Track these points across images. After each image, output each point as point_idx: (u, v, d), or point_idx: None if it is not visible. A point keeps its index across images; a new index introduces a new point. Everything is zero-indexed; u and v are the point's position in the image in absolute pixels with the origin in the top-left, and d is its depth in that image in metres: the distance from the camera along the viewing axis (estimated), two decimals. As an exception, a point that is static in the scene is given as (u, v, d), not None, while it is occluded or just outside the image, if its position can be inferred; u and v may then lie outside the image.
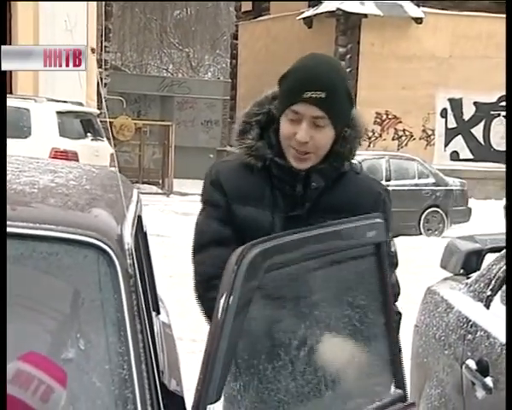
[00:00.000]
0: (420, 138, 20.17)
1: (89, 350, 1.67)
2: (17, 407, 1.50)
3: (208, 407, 1.47)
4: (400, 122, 20.06)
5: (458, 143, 20.27)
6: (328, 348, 1.87)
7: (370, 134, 19.39)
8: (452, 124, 20.31)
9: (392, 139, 20.03)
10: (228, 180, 2.23)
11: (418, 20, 19.56)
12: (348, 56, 19.33)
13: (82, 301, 1.74)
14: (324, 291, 1.89)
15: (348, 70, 18.42)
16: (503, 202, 11.72)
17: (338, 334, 1.91)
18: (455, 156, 20.23)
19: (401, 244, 3.66)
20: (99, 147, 12.81)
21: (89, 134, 12.88)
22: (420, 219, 14.61)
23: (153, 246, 3.09)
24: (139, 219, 2.45)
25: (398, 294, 2.30)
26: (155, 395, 1.67)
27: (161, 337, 2.66)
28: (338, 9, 19.00)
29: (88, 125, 13.03)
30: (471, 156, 20.24)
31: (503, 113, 19.18)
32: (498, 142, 19.43)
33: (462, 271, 3.94)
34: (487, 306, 3.31)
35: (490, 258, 3.73)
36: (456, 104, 20.16)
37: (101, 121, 13.37)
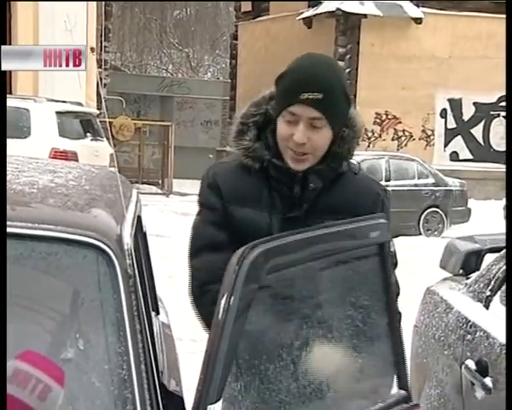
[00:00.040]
0: (419, 139, 20.17)
1: (88, 350, 1.67)
2: (15, 406, 1.50)
3: (209, 407, 1.47)
4: (400, 122, 20.06)
5: (458, 144, 20.27)
6: (331, 349, 1.86)
7: (370, 134, 19.42)
8: (452, 124, 20.31)
9: (392, 139, 20.03)
10: (225, 182, 2.22)
11: (418, 21, 19.56)
12: (348, 57, 19.34)
13: (81, 301, 1.74)
14: (327, 292, 1.89)
15: (348, 70, 18.45)
16: (503, 202, 11.74)
17: (341, 334, 1.90)
18: (454, 157, 20.23)
19: (401, 244, 3.66)
20: (98, 147, 12.81)
21: (88, 134, 12.88)
22: (419, 220, 14.61)
23: (152, 246, 3.09)
24: (139, 219, 2.45)
25: (398, 294, 2.29)
26: (155, 396, 1.67)
27: (161, 338, 2.66)
28: (338, 10, 19.01)
29: (87, 126, 13.03)
30: (471, 157, 20.24)
31: (503, 113, 19.19)
32: (498, 142, 19.43)
33: (461, 271, 3.94)
34: (487, 306, 3.31)
35: (489, 258, 3.73)
36: (456, 104, 20.16)
37: (100, 121, 13.37)
